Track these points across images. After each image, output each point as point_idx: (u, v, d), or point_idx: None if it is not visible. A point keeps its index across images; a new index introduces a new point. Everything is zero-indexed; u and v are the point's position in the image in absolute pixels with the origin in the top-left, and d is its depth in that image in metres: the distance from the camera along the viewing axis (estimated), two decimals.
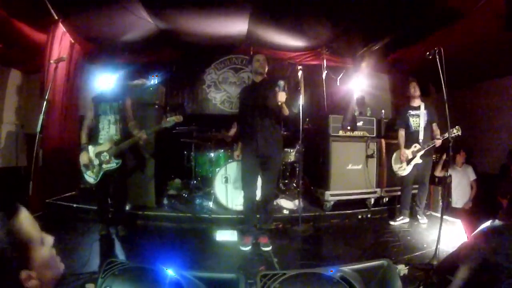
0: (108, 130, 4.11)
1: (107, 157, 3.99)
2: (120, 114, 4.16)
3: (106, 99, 4.18)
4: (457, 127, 4.46)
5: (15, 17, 4.85)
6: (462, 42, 4.97)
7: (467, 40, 4.99)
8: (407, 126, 5.06)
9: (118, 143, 4.04)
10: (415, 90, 5.06)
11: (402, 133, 5.08)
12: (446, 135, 4.35)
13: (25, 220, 0.87)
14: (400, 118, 5.17)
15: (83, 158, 4.02)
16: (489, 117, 6.34)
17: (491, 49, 5.10)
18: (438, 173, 5.84)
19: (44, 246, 0.93)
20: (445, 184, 4.55)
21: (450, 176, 5.52)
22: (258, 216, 4.20)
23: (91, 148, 4.04)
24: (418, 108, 5.04)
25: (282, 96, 3.74)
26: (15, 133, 6.38)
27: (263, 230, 4.12)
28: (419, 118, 4.99)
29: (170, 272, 1.47)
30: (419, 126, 4.98)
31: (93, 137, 4.15)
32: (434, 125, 5.02)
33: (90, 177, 4.08)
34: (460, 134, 4.48)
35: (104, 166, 4.00)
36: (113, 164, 4.02)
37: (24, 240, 0.84)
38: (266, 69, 4.12)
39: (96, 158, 4.01)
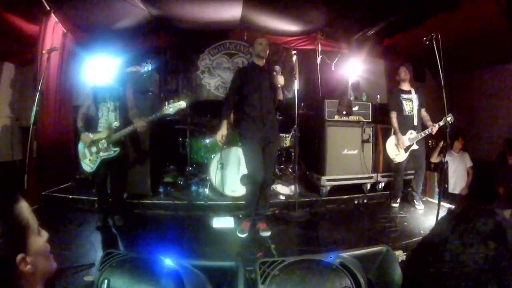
0: (107, 117, 4.03)
1: (105, 145, 3.92)
2: (119, 101, 4.08)
3: (105, 87, 4.08)
4: (449, 114, 4.41)
5: (8, 11, 4.74)
6: (461, 28, 4.92)
7: (466, 25, 4.94)
8: (400, 110, 5.01)
9: (116, 130, 3.97)
10: (406, 73, 5.02)
11: (394, 115, 5.00)
12: (442, 122, 4.38)
13: (25, 207, 0.91)
14: (393, 101, 5.11)
15: (83, 140, 3.95)
16: (487, 104, 6.32)
17: (490, 35, 5.04)
18: (435, 159, 5.82)
19: (41, 236, 0.96)
20: (441, 170, 4.56)
21: (447, 162, 5.54)
22: None
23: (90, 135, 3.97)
24: (409, 92, 5.03)
25: (282, 80, 3.87)
26: (10, 127, 6.26)
27: (261, 215, 4.10)
28: (412, 102, 4.98)
29: (169, 262, 1.46)
30: (412, 110, 4.97)
31: (92, 125, 4.06)
32: (423, 110, 5.03)
33: (87, 166, 4.01)
34: (452, 121, 4.43)
35: (101, 154, 3.94)
36: (111, 152, 3.95)
37: (23, 225, 0.87)
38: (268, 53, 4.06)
39: (94, 145, 3.95)
